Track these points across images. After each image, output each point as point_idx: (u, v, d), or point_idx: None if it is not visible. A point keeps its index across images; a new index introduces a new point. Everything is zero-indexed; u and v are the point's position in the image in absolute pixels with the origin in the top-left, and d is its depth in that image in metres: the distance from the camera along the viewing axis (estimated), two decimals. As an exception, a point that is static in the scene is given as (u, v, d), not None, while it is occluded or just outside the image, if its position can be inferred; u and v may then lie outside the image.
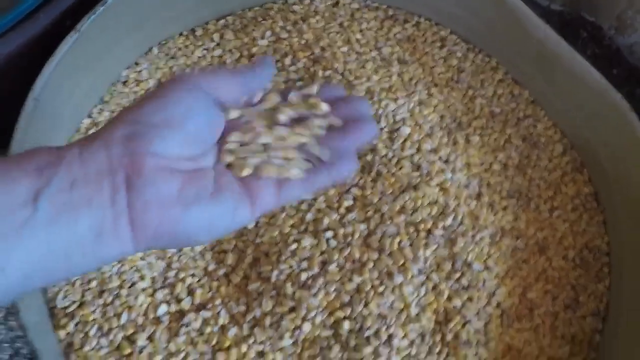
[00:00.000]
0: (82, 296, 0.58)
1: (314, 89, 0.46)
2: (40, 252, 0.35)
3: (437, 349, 0.58)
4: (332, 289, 0.58)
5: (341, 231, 0.61)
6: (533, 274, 0.64)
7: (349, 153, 0.44)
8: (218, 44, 0.73)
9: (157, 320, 0.57)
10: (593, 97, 0.66)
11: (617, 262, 0.66)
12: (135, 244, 0.37)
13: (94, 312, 0.57)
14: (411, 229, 0.61)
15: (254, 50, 0.71)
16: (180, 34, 0.73)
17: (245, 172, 0.41)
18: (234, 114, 0.42)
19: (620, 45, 0.83)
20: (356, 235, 0.61)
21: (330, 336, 0.57)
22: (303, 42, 0.71)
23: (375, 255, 0.60)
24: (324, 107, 0.45)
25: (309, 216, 0.62)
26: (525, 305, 0.62)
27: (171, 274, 0.60)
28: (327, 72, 0.68)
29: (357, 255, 0.60)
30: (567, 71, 0.67)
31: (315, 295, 0.58)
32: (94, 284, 0.58)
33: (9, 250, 0.34)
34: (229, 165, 0.41)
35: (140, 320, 0.57)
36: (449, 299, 0.59)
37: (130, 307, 0.58)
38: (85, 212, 0.35)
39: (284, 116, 0.43)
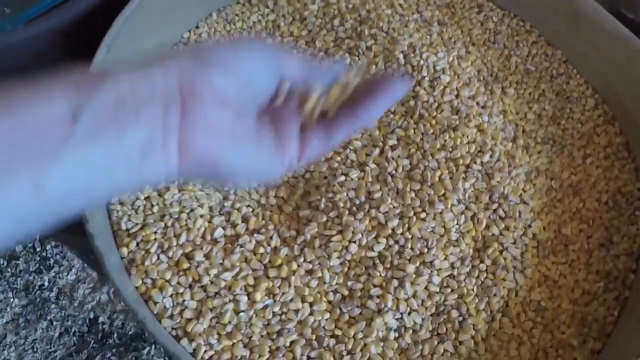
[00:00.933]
0: (144, 219, 0.62)
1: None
2: (81, 169, 0.34)
3: (476, 273, 0.61)
4: (377, 214, 0.62)
5: (386, 165, 0.65)
6: (567, 213, 0.67)
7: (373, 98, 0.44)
8: (272, 10, 0.79)
9: (214, 241, 0.61)
10: (623, 53, 0.70)
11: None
12: (180, 167, 0.37)
13: (155, 232, 0.61)
14: (451, 164, 0.65)
15: (306, 14, 0.77)
16: (237, 2, 0.79)
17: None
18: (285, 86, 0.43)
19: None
20: (399, 169, 0.65)
21: (375, 257, 0.61)
22: (350, 6, 0.77)
23: (417, 186, 0.64)
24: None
25: (355, 155, 0.66)
26: (560, 241, 0.66)
27: (228, 204, 0.64)
28: (373, 30, 0.73)
29: (400, 185, 0.64)
30: (598, 29, 0.71)
31: (361, 220, 0.62)
32: (155, 209, 0.63)
33: (46, 168, 0.33)
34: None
35: (198, 240, 0.61)
36: (487, 227, 0.63)
37: (189, 229, 0.62)
38: (132, 128, 0.35)
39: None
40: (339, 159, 0.66)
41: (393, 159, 0.65)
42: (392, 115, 0.68)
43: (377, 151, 0.66)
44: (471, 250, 0.62)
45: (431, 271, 0.60)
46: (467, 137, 0.66)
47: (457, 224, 0.62)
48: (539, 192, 0.67)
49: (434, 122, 0.67)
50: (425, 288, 0.60)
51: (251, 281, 0.59)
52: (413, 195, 0.63)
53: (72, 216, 0.36)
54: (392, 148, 0.66)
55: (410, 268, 0.60)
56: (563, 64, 0.77)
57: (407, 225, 0.62)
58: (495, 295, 0.61)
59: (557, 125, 0.72)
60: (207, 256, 0.60)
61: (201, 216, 0.63)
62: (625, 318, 0.64)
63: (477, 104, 0.69)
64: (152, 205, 0.63)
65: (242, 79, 0.39)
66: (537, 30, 0.79)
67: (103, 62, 0.63)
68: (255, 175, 0.43)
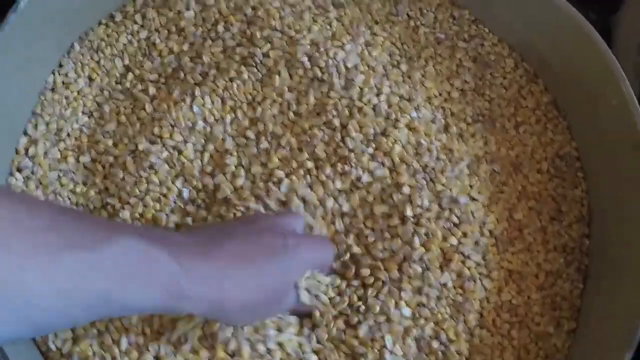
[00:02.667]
0: (74, 331, 0.54)
1: None
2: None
3: (445, 293, 0.57)
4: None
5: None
6: (515, 194, 0.64)
7: None
8: (142, 26, 0.67)
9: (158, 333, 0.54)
10: (541, 12, 0.66)
11: (589, 166, 0.66)
12: None
13: (91, 345, 0.53)
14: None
15: (182, 23, 0.66)
16: (100, 23, 0.67)
17: None
18: None
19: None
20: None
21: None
22: (232, 5, 0.66)
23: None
24: None
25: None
26: (515, 227, 0.63)
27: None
28: (266, 32, 0.64)
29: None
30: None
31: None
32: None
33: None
34: None
35: (141, 340, 0.54)
36: (444, 239, 0.58)
37: (127, 330, 0.54)
38: None
39: None
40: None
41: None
42: (309, 131, 0.61)
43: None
44: (436, 270, 0.57)
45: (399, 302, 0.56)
46: (400, 140, 0.60)
47: (413, 246, 0.57)
48: (484, 183, 0.63)
49: (359, 129, 0.60)
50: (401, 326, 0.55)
51: None
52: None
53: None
54: (318, 168, 0.59)
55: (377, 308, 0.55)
56: (473, 25, 0.71)
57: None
58: (469, 311, 0.57)
59: (482, 97, 0.68)
60: (157, 357, 0.53)
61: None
62: (592, 287, 0.63)
63: (401, 97, 0.63)
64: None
65: None
66: (437, -10, 0.72)
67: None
68: None
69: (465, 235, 0.59)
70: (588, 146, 0.66)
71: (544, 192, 0.65)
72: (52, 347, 0.53)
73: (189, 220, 0.58)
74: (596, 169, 0.65)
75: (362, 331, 0.55)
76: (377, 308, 0.55)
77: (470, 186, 0.62)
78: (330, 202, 0.58)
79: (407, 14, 0.71)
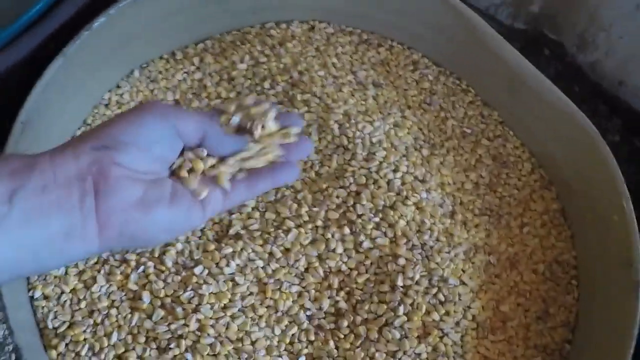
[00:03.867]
0: (72, 316, 0.59)
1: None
2: (11, 249, 0.37)
3: (418, 361, 0.61)
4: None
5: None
6: (505, 288, 0.67)
7: (290, 162, 0.51)
8: (198, 68, 0.75)
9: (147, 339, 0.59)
10: (559, 119, 0.70)
11: (585, 275, 0.69)
12: (101, 244, 0.41)
13: (84, 332, 0.58)
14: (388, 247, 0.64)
15: (234, 73, 0.73)
16: (161, 57, 0.75)
17: (202, 194, 0.46)
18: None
19: (581, 63, 0.87)
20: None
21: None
22: (281, 66, 0.74)
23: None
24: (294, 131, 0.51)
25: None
26: (499, 318, 0.65)
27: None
28: (306, 96, 0.70)
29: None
30: (534, 93, 0.70)
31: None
32: (83, 304, 0.60)
33: None
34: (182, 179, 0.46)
35: (129, 339, 0.58)
36: (427, 313, 0.62)
37: (120, 327, 0.59)
38: (55, 214, 0.39)
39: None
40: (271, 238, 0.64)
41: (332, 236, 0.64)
42: (325, 192, 0.66)
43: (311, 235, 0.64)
44: (414, 339, 0.61)
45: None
46: (406, 216, 0.65)
47: (396, 313, 0.61)
48: (477, 270, 0.66)
49: (371, 199, 0.65)
50: None
51: None
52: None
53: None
54: (326, 227, 0.64)
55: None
56: (499, 126, 0.76)
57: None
58: (438, 386, 0.60)
59: (494, 193, 0.72)
60: (141, 358, 0.58)
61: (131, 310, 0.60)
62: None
63: (415, 178, 0.68)
64: (79, 300, 0.60)
65: (145, 150, 0.43)
66: (473, 89, 0.77)
67: (17, 141, 0.59)
68: (175, 231, 0.46)
69: (448, 314, 0.62)
70: (587, 258, 0.69)
71: (535, 292, 0.67)
72: (50, 325, 0.59)
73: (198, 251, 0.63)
74: (590, 279, 0.68)
75: None
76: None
77: (463, 271, 0.65)
78: (332, 262, 0.63)
79: (440, 105, 0.76)
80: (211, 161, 0.47)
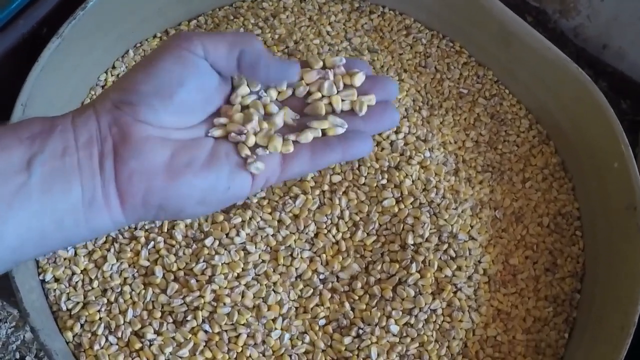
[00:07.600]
0: (85, 296, 0.59)
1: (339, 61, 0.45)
2: (34, 219, 0.35)
3: (433, 318, 0.61)
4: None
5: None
6: (513, 242, 0.68)
7: (365, 134, 0.44)
8: (192, 43, 0.74)
9: (163, 314, 0.59)
10: (552, 71, 0.70)
11: (588, 224, 0.70)
12: (125, 214, 0.37)
13: (99, 311, 0.58)
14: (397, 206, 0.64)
15: (229, 47, 0.73)
16: (154, 36, 0.75)
17: (243, 153, 0.40)
18: (243, 91, 0.42)
19: (564, 28, 0.88)
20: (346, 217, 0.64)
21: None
22: (276, 36, 0.74)
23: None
24: (360, 77, 0.45)
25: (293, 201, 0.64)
26: (509, 271, 0.66)
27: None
28: (303, 64, 0.70)
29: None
30: (527, 48, 0.71)
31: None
32: (95, 283, 0.59)
33: (3, 216, 0.34)
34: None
35: (145, 315, 0.58)
36: (440, 269, 0.62)
37: (134, 303, 0.59)
38: (77, 179, 0.36)
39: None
40: (269, 210, 0.64)
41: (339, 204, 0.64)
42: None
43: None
44: (428, 296, 0.61)
45: (388, 319, 0.60)
46: (411, 176, 0.65)
47: (409, 271, 0.61)
48: (485, 226, 0.67)
49: (375, 160, 0.66)
50: (386, 341, 0.59)
51: (209, 354, 0.57)
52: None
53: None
54: (333, 192, 0.64)
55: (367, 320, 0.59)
56: (495, 85, 0.76)
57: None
58: (454, 338, 0.61)
59: (494, 150, 0.72)
60: (158, 332, 0.58)
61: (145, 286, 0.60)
62: (577, 338, 0.65)
63: (417, 137, 0.68)
64: (91, 280, 0.59)
65: (168, 97, 0.38)
66: (467, 50, 0.78)
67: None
68: (212, 203, 0.40)
69: (459, 269, 0.63)
70: (589, 208, 0.70)
71: (541, 244, 0.68)
72: (63, 307, 0.58)
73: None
74: (594, 228, 0.69)
75: (349, 339, 0.59)
76: (368, 320, 0.59)
77: (471, 226, 0.66)
78: (341, 225, 0.63)
79: (435, 67, 0.76)
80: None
